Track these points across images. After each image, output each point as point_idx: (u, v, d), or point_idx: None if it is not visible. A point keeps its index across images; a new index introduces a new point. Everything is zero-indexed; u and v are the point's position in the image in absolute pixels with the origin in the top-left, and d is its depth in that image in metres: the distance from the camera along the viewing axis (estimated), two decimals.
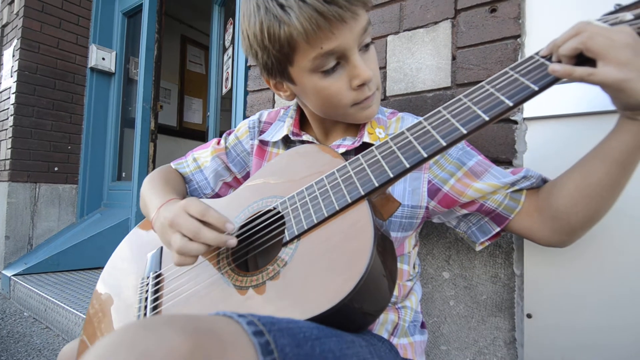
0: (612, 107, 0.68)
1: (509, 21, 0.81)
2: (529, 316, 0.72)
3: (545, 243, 0.63)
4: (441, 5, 0.91)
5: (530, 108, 0.76)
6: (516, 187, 0.62)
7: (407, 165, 0.48)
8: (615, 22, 0.45)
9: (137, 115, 2.50)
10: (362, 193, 0.49)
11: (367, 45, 0.61)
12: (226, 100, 2.50)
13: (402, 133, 0.52)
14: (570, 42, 0.45)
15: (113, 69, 2.74)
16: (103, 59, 2.68)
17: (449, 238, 0.83)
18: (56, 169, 2.56)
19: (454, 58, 0.89)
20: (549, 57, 0.48)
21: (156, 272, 0.64)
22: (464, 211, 0.65)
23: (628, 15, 0.43)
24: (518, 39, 0.80)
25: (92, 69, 2.67)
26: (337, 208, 0.50)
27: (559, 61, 0.47)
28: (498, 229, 0.64)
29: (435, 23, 0.92)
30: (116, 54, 2.75)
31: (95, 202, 2.73)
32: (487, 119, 0.45)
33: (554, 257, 0.70)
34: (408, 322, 0.66)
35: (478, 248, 0.68)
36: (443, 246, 0.83)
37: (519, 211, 0.62)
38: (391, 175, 0.49)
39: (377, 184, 0.49)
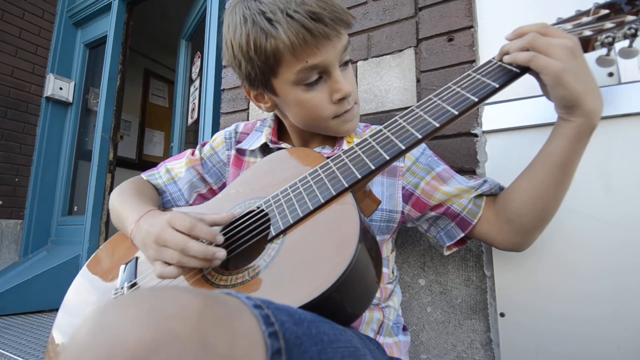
0: None
1: (465, 48, 0.91)
2: (502, 315, 0.74)
3: (504, 247, 0.67)
4: (405, 36, 1.01)
5: (489, 122, 0.84)
6: (479, 192, 0.67)
7: (387, 158, 0.51)
8: None
9: (95, 146, 2.40)
10: (346, 185, 0.51)
11: (346, 63, 0.66)
12: (190, 133, 2.48)
13: (380, 130, 0.55)
14: (517, 42, 0.52)
15: (71, 99, 2.65)
16: (60, 88, 2.59)
17: (423, 245, 0.86)
18: (0, 202, 2.35)
19: (418, 80, 0.97)
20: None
21: (131, 281, 0.60)
22: (433, 213, 0.69)
23: (568, 26, 0.50)
24: (473, 64, 0.90)
25: (47, 98, 2.56)
26: (322, 201, 0.51)
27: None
28: (462, 234, 0.68)
29: (400, 50, 1.00)
30: (75, 84, 2.67)
31: (41, 239, 2.51)
32: (456, 113, 0.50)
33: (520, 256, 0.75)
34: (392, 321, 0.66)
35: (446, 253, 0.71)
36: (418, 254, 0.85)
37: (480, 217, 0.66)
38: (372, 168, 0.51)
39: (359, 176, 0.51)
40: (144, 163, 4.01)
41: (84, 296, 0.68)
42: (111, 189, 2.45)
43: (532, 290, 0.73)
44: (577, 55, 0.49)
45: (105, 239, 2.41)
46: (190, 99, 2.48)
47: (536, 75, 0.53)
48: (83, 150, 2.69)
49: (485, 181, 0.68)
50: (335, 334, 0.40)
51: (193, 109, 2.40)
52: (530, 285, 0.73)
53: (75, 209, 2.64)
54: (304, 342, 0.34)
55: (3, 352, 1.49)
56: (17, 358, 1.45)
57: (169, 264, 0.53)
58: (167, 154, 4.16)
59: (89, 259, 0.75)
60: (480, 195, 0.67)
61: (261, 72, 0.62)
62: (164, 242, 0.52)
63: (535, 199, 0.59)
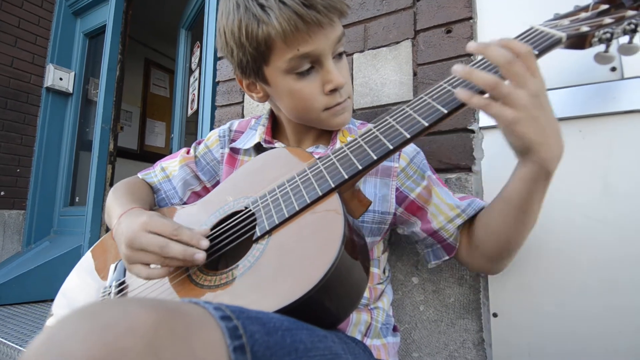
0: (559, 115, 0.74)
1: (463, 40, 0.88)
2: (494, 315, 0.74)
3: (474, 269, 0.71)
4: (402, 27, 0.98)
5: (486, 118, 0.81)
6: (465, 218, 0.66)
7: (375, 157, 0.50)
8: (550, 38, 0.49)
9: (95, 137, 2.39)
10: (332, 185, 0.50)
11: (340, 55, 0.65)
12: (191, 124, 2.47)
13: (369, 130, 0.54)
14: (481, 77, 0.47)
15: (71, 90, 2.64)
16: (60, 79, 2.57)
17: None
18: (2, 193, 2.37)
19: (415, 74, 0.94)
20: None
21: (119, 280, 0.60)
22: (419, 229, 0.68)
23: (565, 22, 0.48)
24: (471, 57, 0.87)
25: (48, 89, 2.55)
26: (308, 201, 0.50)
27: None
28: (447, 257, 0.69)
29: (397, 42, 0.98)
30: (75, 74, 2.66)
31: (44, 229, 2.53)
32: (445, 111, 0.49)
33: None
34: (381, 322, 0.65)
35: (430, 266, 0.73)
36: (411, 251, 0.84)
37: (460, 240, 0.67)
38: (360, 167, 0.50)
39: (346, 176, 0.50)
40: (146, 154, 4.01)
41: (83, 283, 0.69)
42: (112, 180, 2.45)
43: (526, 291, 0.72)
44: (540, 102, 0.46)
45: (107, 230, 2.42)
46: (190, 90, 2.46)
47: None
48: (84, 141, 2.69)
49: (470, 204, 0.67)
50: (313, 342, 0.39)
51: (193, 100, 2.38)
52: (523, 286, 0.72)
53: (77, 200, 2.65)
54: (276, 352, 0.33)
55: (5, 341, 1.51)
56: (20, 347, 1.47)
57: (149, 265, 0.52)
58: (168, 145, 4.15)
59: (94, 245, 0.74)
60: (462, 224, 0.67)
61: (253, 59, 0.61)
62: (139, 245, 0.52)
63: (497, 234, 0.60)
